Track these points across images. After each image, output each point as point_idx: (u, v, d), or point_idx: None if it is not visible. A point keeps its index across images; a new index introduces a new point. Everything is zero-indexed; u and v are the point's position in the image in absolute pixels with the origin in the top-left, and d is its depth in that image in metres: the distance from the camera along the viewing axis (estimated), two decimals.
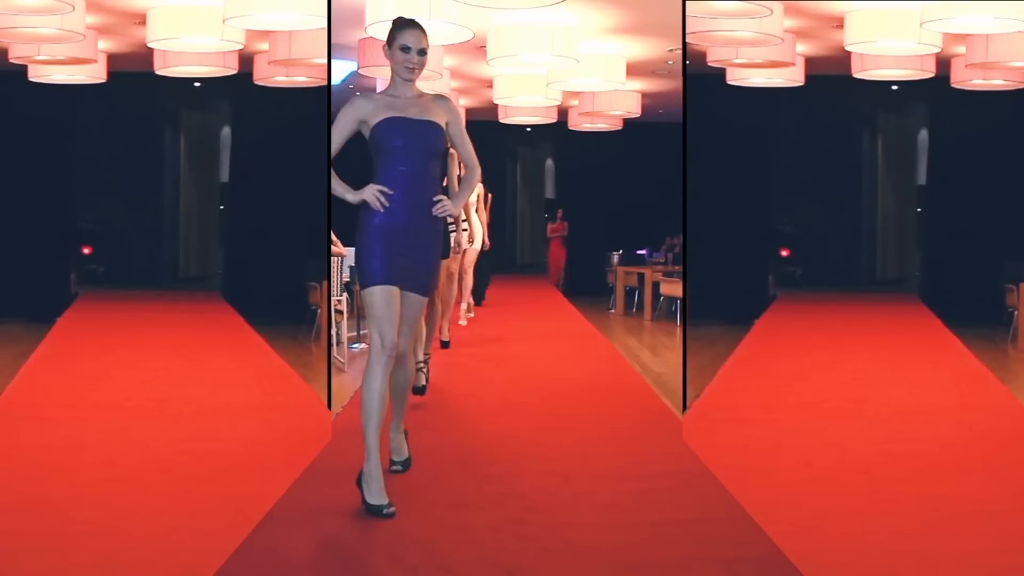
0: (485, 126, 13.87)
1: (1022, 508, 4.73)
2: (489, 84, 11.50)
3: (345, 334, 8.36)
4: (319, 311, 10.46)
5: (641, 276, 11.40)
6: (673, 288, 10.83)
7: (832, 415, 6.81)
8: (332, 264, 8.26)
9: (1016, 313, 10.73)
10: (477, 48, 9.29)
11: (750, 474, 5.20)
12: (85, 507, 4.57)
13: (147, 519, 4.40)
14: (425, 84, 10.06)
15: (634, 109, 11.88)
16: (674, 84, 12.15)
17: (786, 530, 4.24)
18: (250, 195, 13.39)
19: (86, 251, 16.54)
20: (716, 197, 11.80)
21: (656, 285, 11.30)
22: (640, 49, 10.35)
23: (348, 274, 8.87)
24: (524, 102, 11.02)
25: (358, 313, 9.63)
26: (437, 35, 7.74)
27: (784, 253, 16.72)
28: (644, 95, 12.18)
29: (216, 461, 5.45)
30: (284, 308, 11.46)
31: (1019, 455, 5.81)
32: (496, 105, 12.07)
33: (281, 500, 4.63)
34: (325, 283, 8.72)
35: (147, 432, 6.13)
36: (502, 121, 12.79)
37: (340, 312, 8.24)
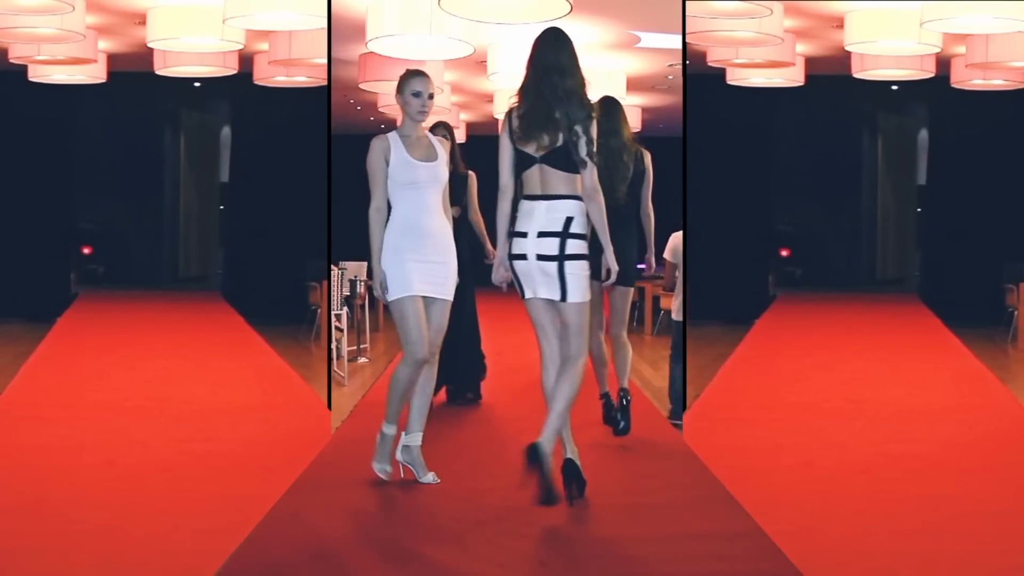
0: (486, 141, 13.78)
1: (1022, 508, 4.73)
2: (490, 99, 11.49)
3: (345, 348, 8.32)
4: (319, 311, 10.46)
5: (641, 291, 11.37)
6: (670, 302, 10.70)
7: (832, 415, 6.81)
8: (332, 277, 8.21)
9: (1016, 313, 10.73)
10: (477, 63, 9.28)
11: (750, 474, 5.20)
12: (85, 507, 4.57)
13: (147, 519, 4.40)
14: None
15: (634, 124, 11.85)
16: (674, 99, 12.12)
17: (786, 530, 4.24)
18: (250, 195, 13.39)
19: (86, 251, 16.54)
20: (716, 197, 11.78)
21: (656, 299, 11.27)
22: (640, 64, 10.35)
23: (348, 288, 8.84)
24: None
25: (358, 328, 9.61)
26: (438, 50, 7.75)
27: (784, 253, 16.71)
28: (644, 110, 12.17)
29: (216, 461, 5.45)
30: (284, 308, 11.46)
31: (1019, 455, 5.81)
32: (496, 120, 12.07)
33: (281, 500, 4.63)
34: (325, 283, 8.70)
35: (147, 432, 6.14)
36: None
37: (340, 330, 8.18)
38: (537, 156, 4.43)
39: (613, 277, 4.56)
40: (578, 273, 4.43)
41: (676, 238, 6.90)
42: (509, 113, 4.54)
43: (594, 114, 4.46)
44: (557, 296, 4.47)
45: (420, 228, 4.86)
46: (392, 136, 4.93)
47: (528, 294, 4.54)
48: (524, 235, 4.46)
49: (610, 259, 4.51)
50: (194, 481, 5.03)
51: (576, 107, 4.41)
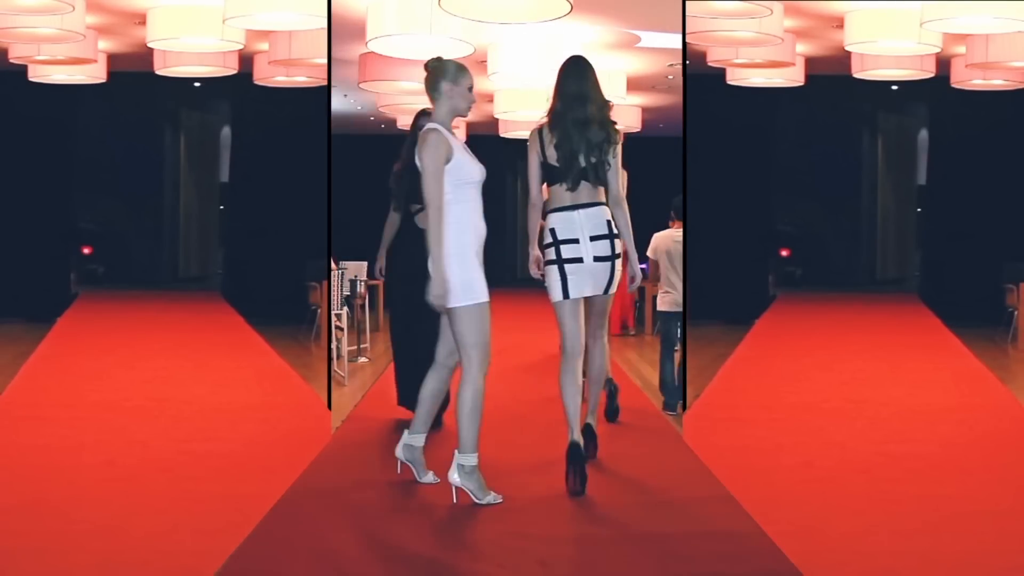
0: (485, 140, 13.80)
1: (1022, 508, 4.73)
2: (490, 98, 11.50)
3: (345, 348, 8.31)
4: (319, 311, 10.46)
5: (642, 290, 11.41)
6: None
7: (832, 415, 6.81)
8: (332, 277, 8.22)
9: (1016, 313, 10.73)
10: (478, 63, 9.28)
11: (750, 474, 5.20)
12: (85, 507, 4.57)
13: (147, 519, 4.40)
14: (425, 98, 10.06)
15: (634, 124, 11.86)
16: (674, 99, 12.14)
17: (786, 530, 4.24)
18: (250, 195, 13.39)
19: (86, 251, 16.55)
20: (716, 197, 11.79)
21: (656, 299, 11.33)
22: (640, 64, 10.35)
23: (348, 288, 8.83)
24: (524, 116, 11.00)
25: (358, 327, 9.60)
26: (438, 49, 7.75)
27: (784, 253, 16.72)
28: (644, 110, 12.17)
29: (216, 461, 5.45)
30: (284, 308, 11.46)
31: (1019, 455, 5.81)
32: (496, 119, 12.07)
33: (281, 500, 4.63)
34: (325, 283, 8.70)
35: (147, 432, 6.13)
36: (502, 135, 12.78)
37: (340, 329, 8.19)
38: (572, 174, 4.91)
39: (638, 282, 5.13)
40: (619, 268, 4.99)
41: (657, 238, 7.40)
42: (540, 133, 4.98)
43: (616, 134, 4.98)
44: (601, 291, 4.99)
45: (479, 229, 4.65)
46: (442, 130, 4.60)
47: (574, 293, 4.92)
48: (575, 241, 4.89)
49: (635, 266, 5.10)
50: (194, 481, 5.03)
51: (599, 129, 4.92)
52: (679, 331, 7.17)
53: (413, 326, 6.09)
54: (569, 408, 4.89)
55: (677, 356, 6.98)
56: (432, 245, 4.49)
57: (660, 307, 7.37)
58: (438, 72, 4.69)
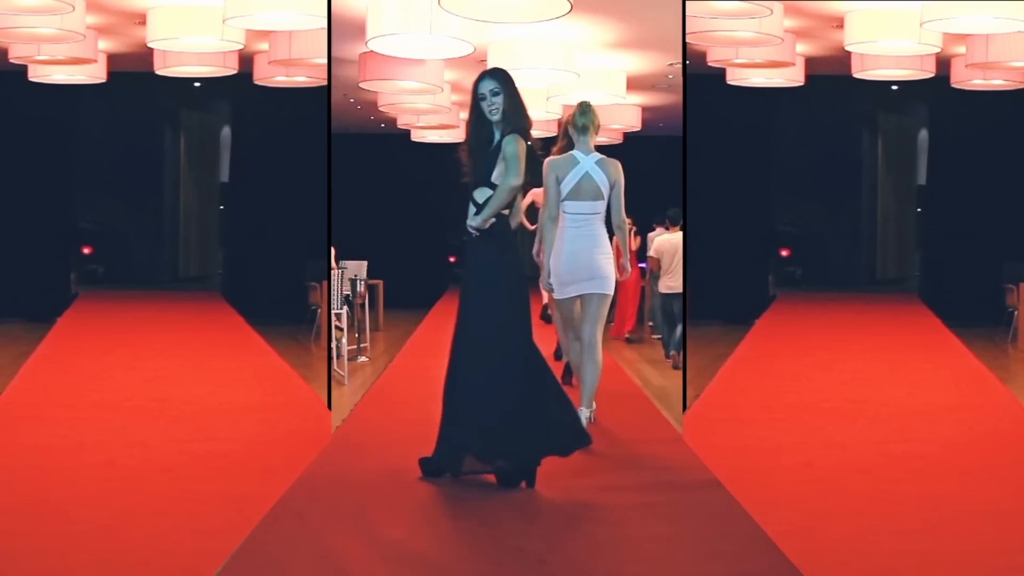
0: None
1: (1022, 508, 4.73)
2: None
3: (345, 348, 8.31)
4: (319, 311, 10.46)
5: (643, 290, 11.43)
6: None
7: (832, 415, 6.81)
8: (332, 276, 8.21)
9: (1016, 313, 10.74)
10: (478, 62, 9.27)
11: (750, 474, 5.20)
12: (85, 507, 4.57)
13: (147, 519, 4.40)
14: (425, 97, 10.11)
15: (634, 123, 11.85)
16: (674, 98, 12.10)
17: (786, 530, 4.24)
18: (250, 195, 13.39)
19: (86, 251, 16.55)
20: (716, 197, 11.79)
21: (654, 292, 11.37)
22: (640, 63, 10.34)
23: (348, 287, 8.83)
24: None
25: (358, 327, 9.59)
26: (438, 49, 7.75)
27: (784, 253, 16.72)
28: (644, 109, 12.16)
29: (216, 461, 5.45)
30: (284, 308, 11.47)
31: (1019, 455, 5.81)
32: None
33: (281, 500, 4.63)
34: (325, 283, 8.70)
35: (147, 432, 6.13)
36: None
37: (340, 329, 8.18)
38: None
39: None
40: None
41: (656, 240, 9.18)
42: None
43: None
44: None
45: None
46: None
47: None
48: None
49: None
50: (194, 481, 5.03)
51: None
52: (675, 308, 8.91)
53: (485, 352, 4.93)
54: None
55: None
56: (624, 247, 6.13)
57: (660, 290, 9.15)
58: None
